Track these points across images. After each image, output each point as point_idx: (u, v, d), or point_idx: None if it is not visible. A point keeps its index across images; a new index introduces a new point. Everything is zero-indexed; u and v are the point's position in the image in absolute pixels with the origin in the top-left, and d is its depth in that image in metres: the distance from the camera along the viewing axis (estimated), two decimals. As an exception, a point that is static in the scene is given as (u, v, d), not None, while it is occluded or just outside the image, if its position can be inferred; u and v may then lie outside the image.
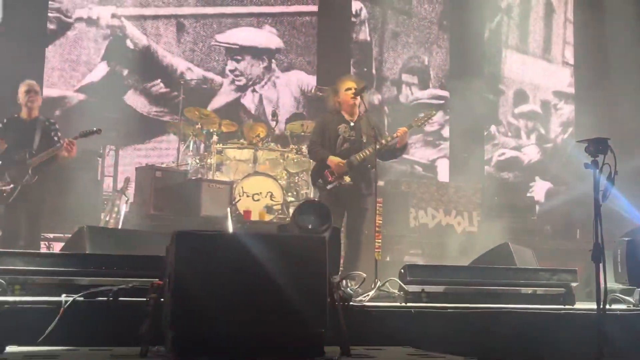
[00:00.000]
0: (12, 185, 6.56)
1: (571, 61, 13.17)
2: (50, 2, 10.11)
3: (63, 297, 3.53)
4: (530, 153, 12.83)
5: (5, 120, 6.84)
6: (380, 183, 7.80)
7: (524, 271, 5.22)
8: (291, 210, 7.92)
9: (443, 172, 12.10)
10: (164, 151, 10.37)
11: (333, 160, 6.36)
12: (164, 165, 8.78)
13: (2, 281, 3.70)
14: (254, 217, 7.96)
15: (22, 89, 6.86)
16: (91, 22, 10.43)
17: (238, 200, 7.94)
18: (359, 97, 6.47)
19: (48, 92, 9.77)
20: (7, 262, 3.86)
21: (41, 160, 6.61)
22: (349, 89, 6.53)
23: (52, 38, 10.22)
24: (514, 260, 5.58)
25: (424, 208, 9.19)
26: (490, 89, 12.42)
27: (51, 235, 8.04)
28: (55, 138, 6.84)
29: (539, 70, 13.04)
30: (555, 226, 10.30)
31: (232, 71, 11.12)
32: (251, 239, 3.15)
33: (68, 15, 10.30)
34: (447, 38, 12.46)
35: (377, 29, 12.15)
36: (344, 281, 4.59)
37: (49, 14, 10.12)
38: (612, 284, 5.38)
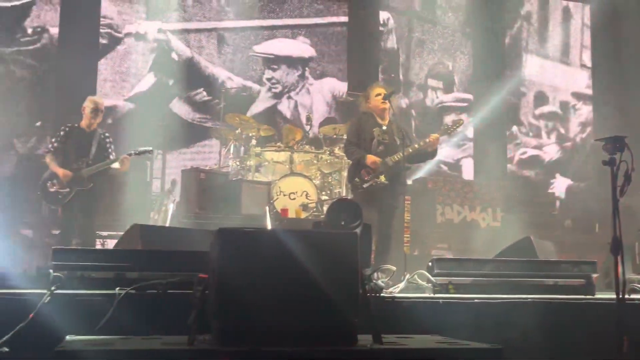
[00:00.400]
0: (67, 190, 6.75)
1: (589, 64, 12.93)
2: (102, 19, 10.25)
3: (117, 290, 3.58)
4: (551, 152, 12.64)
5: (67, 129, 7.00)
6: (408, 182, 7.76)
7: (545, 263, 5.14)
8: (325, 208, 7.93)
9: (468, 170, 11.98)
10: (207, 155, 10.46)
11: (370, 157, 6.32)
12: (207, 168, 8.85)
13: (61, 276, 3.75)
14: (291, 214, 7.97)
15: (90, 104, 7.01)
16: (139, 36, 10.55)
17: (276, 199, 7.97)
18: (388, 102, 6.44)
19: (101, 101, 9.96)
20: (66, 258, 3.92)
21: (95, 171, 6.79)
22: (379, 94, 6.51)
23: (104, 52, 10.36)
24: (536, 253, 5.51)
25: (450, 204, 9.11)
26: (511, 91, 12.26)
27: (105, 233, 8.16)
28: (110, 150, 7.04)
29: (558, 73, 12.85)
30: (575, 220, 10.15)
31: (269, 79, 11.17)
32: (288, 235, 3.16)
33: (118, 30, 10.44)
34: (470, 44, 12.32)
35: (403, 37, 12.08)
36: (375, 274, 4.58)
37: (101, 30, 10.26)
38: (630, 275, 5.28)
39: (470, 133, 12.04)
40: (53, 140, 7.04)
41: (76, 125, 7.02)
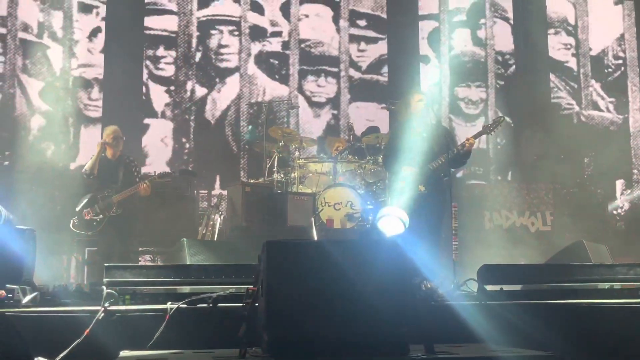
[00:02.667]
0: (101, 216, 7.24)
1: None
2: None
3: (168, 305, 3.63)
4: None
5: None
6: (454, 188, 7.67)
7: (599, 267, 5.02)
8: (370, 218, 7.91)
9: (515, 174, 11.79)
10: (251, 168, 10.55)
11: (406, 169, 6.32)
12: (252, 181, 8.93)
13: (114, 292, 3.82)
14: (336, 225, 7.98)
15: (109, 134, 7.52)
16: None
17: (321, 210, 7.99)
18: (429, 108, 6.42)
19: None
20: (118, 275, 3.99)
21: (123, 197, 7.27)
22: (420, 100, 6.50)
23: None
24: (589, 256, 5.39)
25: (498, 210, 8.99)
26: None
27: (154, 249, 8.30)
28: (135, 173, 7.53)
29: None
30: (627, 222, 9.89)
31: (311, 91, 11.23)
32: (335, 245, 3.16)
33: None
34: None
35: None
36: (424, 282, 4.54)
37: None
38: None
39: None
40: (86, 172, 7.52)
41: (103, 155, 7.53)
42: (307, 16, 11.37)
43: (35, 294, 3.94)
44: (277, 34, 11.21)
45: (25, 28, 10.19)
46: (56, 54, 10.23)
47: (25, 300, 3.79)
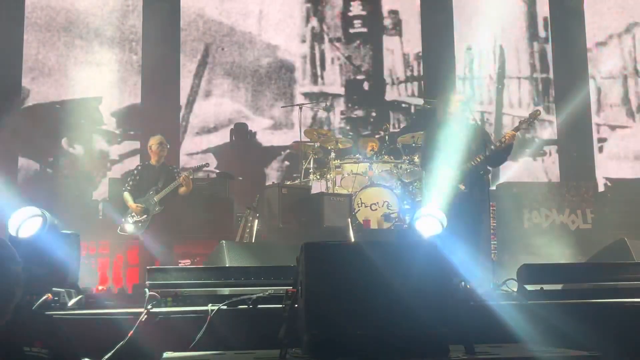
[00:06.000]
0: (145, 216, 7.42)
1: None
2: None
3: (209, 307, 3.68)
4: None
5: (139, 167, 7.83)
6: (492, 187, 7.60)
7: (642, 266, 4.92)
8: (407, 218, 7.89)
9: (554, 172, 11.63)
10: (288, 170, 10.62)
11: (446, 170, 6.29)
12: (288, 183, 8.98)
13: (156, 294, 3.89)
14: (373, 225, 7.98)
15: (155, 142, 7.73)
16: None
17: (357, 211, 8.00)
18: (467, 107, 6.38)
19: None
20: (160, 278, 4.06)
21: (164, 194, 7.41)
22: (459, 100, 6.45)
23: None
24: (632, 255, 5.28)
25: (537, 208, 8.86)
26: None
27: (194, 251, 8.41)
28: (176, 176, 7.59)
29: None
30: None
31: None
32: (373, 246, 3.17)
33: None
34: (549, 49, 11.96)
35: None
36: (463, 282, 4.51)
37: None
38: None
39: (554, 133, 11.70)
40: (129, 179, 7.76)
41: (147, 162, 7.83)
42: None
43: (80, 296, 4.02)
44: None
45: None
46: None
47: (70, 303, 3.87)
